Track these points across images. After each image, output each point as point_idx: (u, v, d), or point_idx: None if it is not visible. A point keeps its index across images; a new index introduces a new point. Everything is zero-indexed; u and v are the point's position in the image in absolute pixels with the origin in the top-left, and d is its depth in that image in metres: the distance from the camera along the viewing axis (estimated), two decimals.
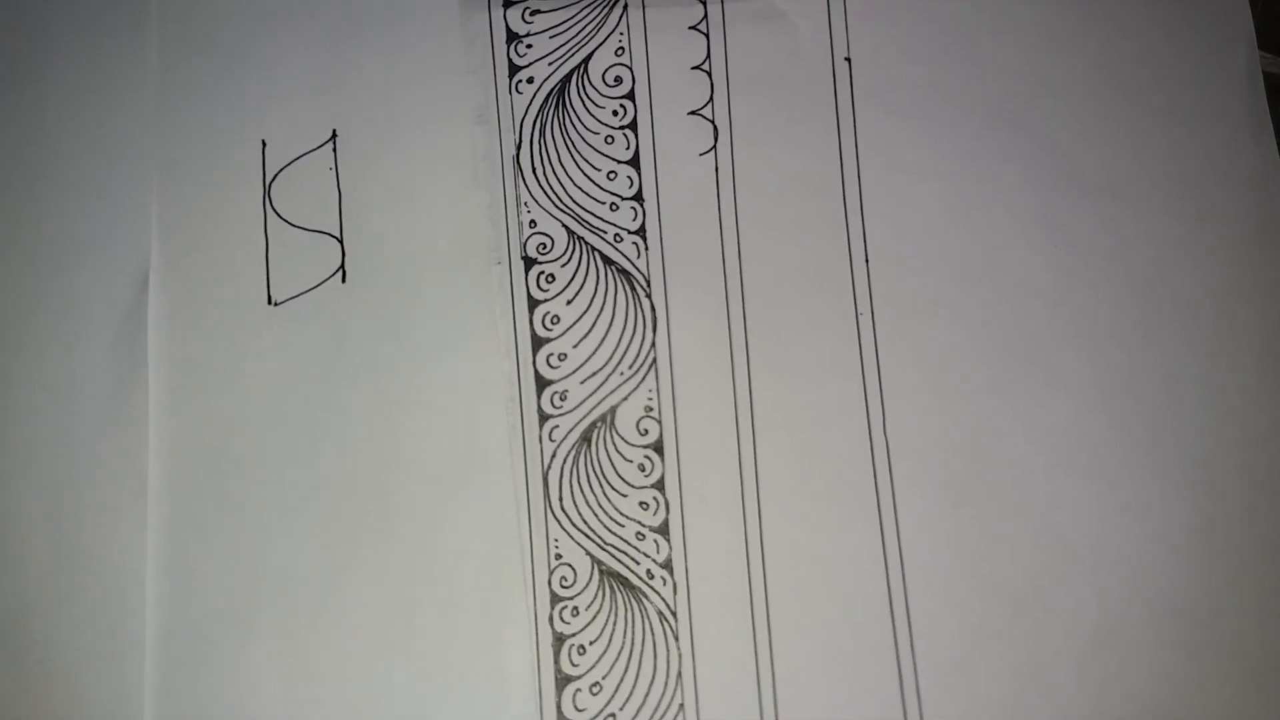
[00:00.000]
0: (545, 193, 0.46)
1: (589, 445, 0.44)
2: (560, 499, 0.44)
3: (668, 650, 0.43)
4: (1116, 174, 0.45)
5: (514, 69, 0.47)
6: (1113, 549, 0.43)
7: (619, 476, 0.44)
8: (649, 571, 0.43)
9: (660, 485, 0.44)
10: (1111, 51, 0.46)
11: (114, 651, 0.43)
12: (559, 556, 0.43)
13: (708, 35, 0.47)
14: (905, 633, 0.42)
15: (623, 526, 0.44)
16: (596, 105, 0.47)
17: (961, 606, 0.42)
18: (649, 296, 0.45)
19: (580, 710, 0.42)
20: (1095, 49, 0.46)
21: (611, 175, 0.46)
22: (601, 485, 0.44)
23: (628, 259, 0.45)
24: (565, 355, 0.45)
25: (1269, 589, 0.42)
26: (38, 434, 0.45)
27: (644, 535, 0.44)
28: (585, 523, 0.44)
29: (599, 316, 0.45)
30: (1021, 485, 0.43)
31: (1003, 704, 0.42)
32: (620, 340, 0.45)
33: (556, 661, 0.43)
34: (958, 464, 0.43)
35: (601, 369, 0.45)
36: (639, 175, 0.46)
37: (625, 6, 0.47)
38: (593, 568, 0.43)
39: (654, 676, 0.43)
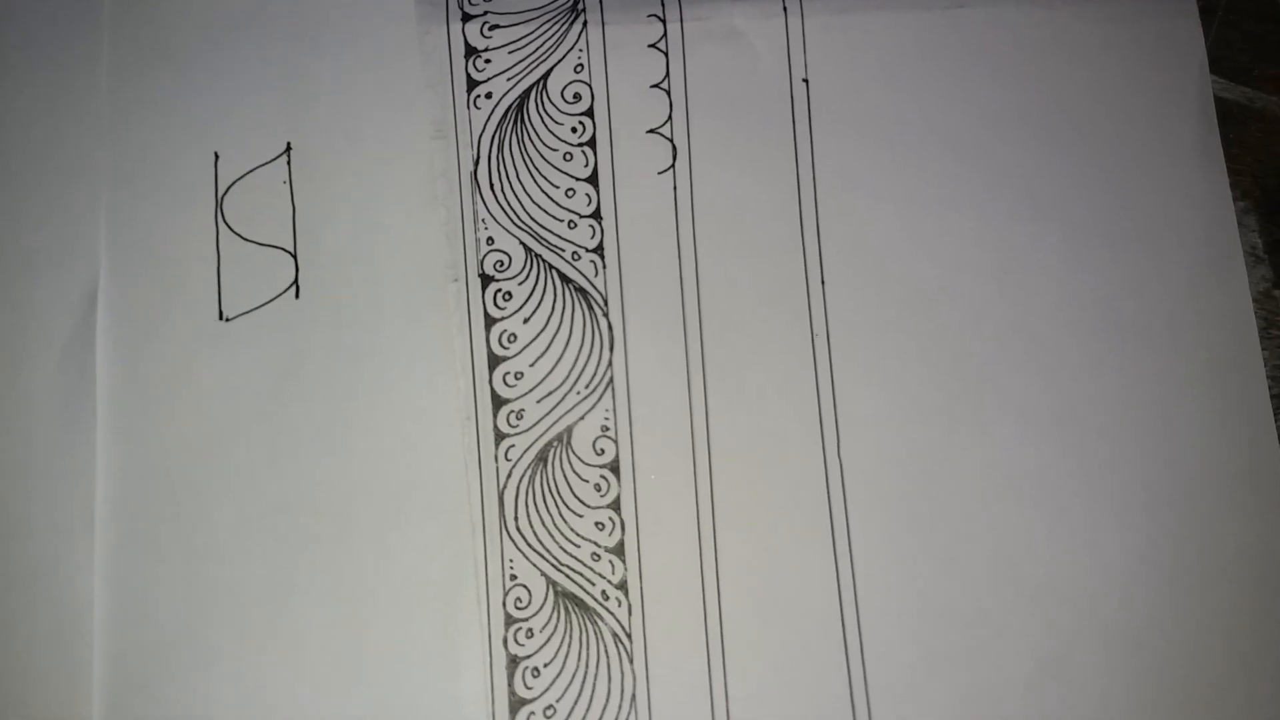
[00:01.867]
0: (503, 209, 0.46)
1: (545, 465, 0.44)
2: (515, 519, 0.44)
3: (622, 673, 0.43)
4: (1069, 199, 0.46)
5: (472, 84, 0.47)
6: (1062, 576, 0.43)
7: (575, 497, 0.44)
8: (604, 593, 0.43)
9: (616, 506, 0.44)
10: (1066, 78, 0.47)
11: (63, 675, 0.42)
12: (514, 577, 0.43)
13: (667, 54, 0.47)
14: (857, 656, 0.43)
15: (578, 547, 0.44)
16: (555, 122, 0.46)
17: (913, 630, 0.43)
18: (606, 315, 0.45)
19: None
20: (1050, 75, 0.47)
21: (570, 193, 0.46)
22: (557, 505, 0.44)
23: (585, 277, 0.45)
24: (522, 374, 0.45)
25: (1216, 616, 0.43)
26: None
27: (599, 556, 0.44)
28: (540, 543, 0.44)
29: (556, 335, 0.45)
30: (973, 511, 0.44)
31: None
32: (577, 359, 0.45)
33: (511, 684, 0.43)
34: (910, 488, 0.44)
35: (558, 388, 0.45)
36: (597, 193, 0.46)
37: (585, 23, 0.47)
38: (548, 589, 0.43)
39: (608, 699, 0.43)
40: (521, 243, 0.46)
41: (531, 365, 0.45)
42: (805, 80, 0.47)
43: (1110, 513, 0.44)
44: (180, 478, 0.44)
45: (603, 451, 0.44)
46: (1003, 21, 0.47)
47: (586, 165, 0.46)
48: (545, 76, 0.47)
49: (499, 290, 0.45)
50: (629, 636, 0.43)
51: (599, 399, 0.45)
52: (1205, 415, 0.44)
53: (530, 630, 0.43)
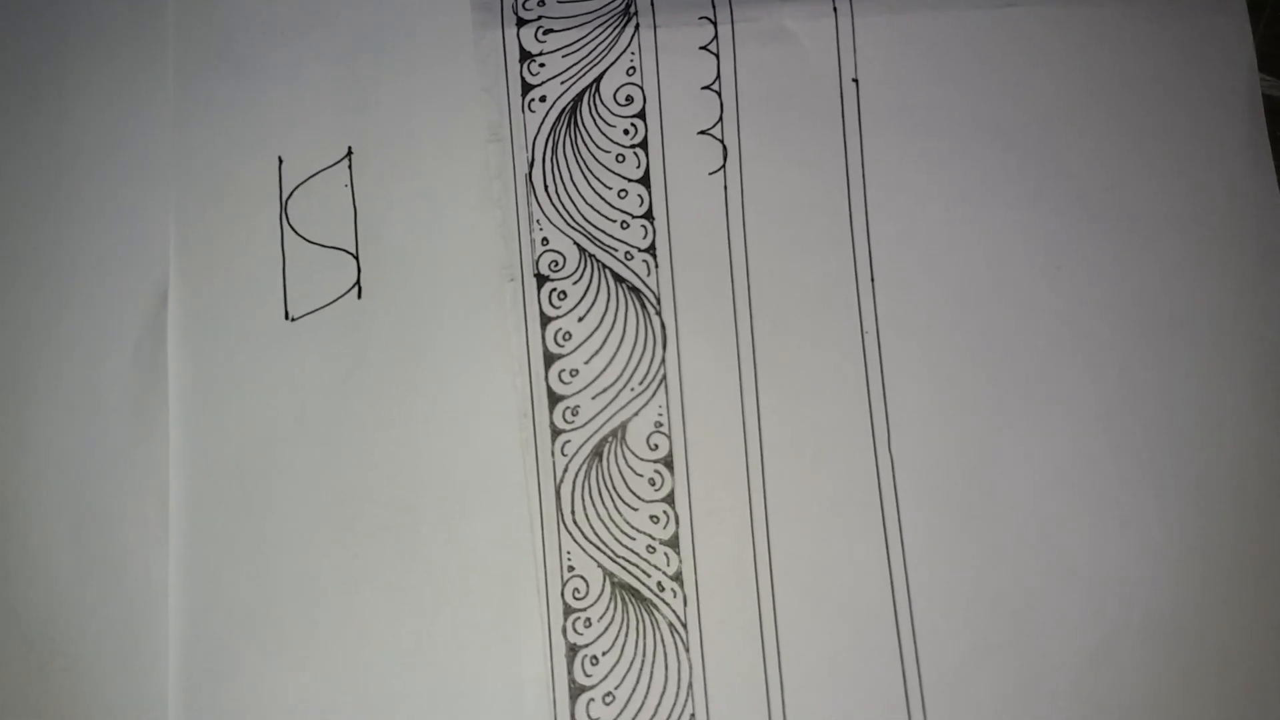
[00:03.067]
0: (557, 210, 0.47)
1: (600, 460, 0.45)
2: (572, 512, 0.45)
3: (678, 661, 0.44)
4: (1118, 196, 0.46)
5: (527, 87, 0.48)
6: (1111, 566, 0.44)
7: (630, 490, 0.45)
8: (659, 584, 0.44)
9: (670, 499, 0.45)
10: (1114, 76, 0.47)
11: (138, 663, 0.44)
12: (571, 569, 0.44)
13: (718, 55, 0.48)
14: (910, 645, 0.43)
15: (633, 540, 0.45)
16: (608, 124, 0.47)
17: (964, 620, 0.43)
18: (659, 314, 0.46)
19: None
20: (1098, 73, 0.47)
21: (622, 194, 0.47)
22: (613, 499, 0.45)
23: (638, 276, 0.46)
24: (577, 371, 0.46)
25: (1264, 606, 0.43)
26: (60, 449, 0.46)
27: (654, 548, 0.44)
28: (597, 536, 0.45)
29: (610, 333, 0.46)
30: (1023, 503, 0.44)
31: (1004, 715, 0.43)
32: (631, 356, 0.46)
33: (570, 672, 0.44)
34: (961, 481, 0.44)
35: (612, 385, 0.46)
36: (649, 194, 0.47)
37: (637, 26, 0.48)
38: (604, 580, 0.44)
39: (665, 687, 0.43)
40: (575, 243, 0.47)
41: (586, 363, 0.46)
42: (855, 80, 0.47)
43: (1159, 505, 0.44)
44: (249, 471, 0.45)
45: (656, 446, 0.45)
46: (1051, 20, 0.47)
47: (639, 167, 0.47)
48: (598, 79, 0.48)
49: (554, 290, 0.46)
50: (684, 626, 0.44)
51: (652, 395, 0.45)
52: (1253, 409, 0.44)
53: (589, 620, 0.44)
